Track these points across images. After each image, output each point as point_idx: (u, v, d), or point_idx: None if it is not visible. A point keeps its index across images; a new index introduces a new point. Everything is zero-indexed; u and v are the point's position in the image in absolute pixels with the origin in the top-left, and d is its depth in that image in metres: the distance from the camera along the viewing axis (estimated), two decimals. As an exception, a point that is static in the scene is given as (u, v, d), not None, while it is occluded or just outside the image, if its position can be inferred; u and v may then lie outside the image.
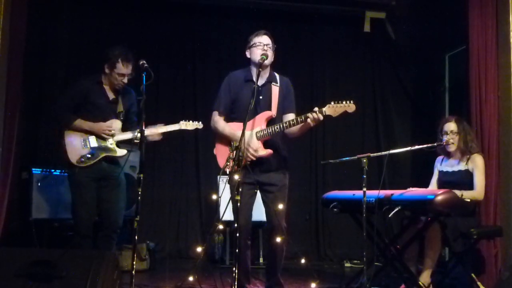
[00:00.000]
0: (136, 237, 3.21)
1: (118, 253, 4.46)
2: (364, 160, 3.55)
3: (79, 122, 3.76)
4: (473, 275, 4.00)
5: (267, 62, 3.53)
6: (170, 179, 6.14)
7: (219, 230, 5.33)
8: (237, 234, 3.05)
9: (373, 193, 3.63)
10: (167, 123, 3.90)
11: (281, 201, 3.54)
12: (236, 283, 3.00)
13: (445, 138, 4.07)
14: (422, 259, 3.93)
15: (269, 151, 3.49)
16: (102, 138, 3.80)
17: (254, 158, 3.44)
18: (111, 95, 3.90)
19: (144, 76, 3.31)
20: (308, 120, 3.37)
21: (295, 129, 3.51)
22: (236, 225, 3.06)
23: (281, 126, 3.45)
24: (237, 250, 3.03)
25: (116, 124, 3.86)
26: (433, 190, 3.97)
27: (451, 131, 4.07)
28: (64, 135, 3.76)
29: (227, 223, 5.03)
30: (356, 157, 3.65)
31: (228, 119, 3.63)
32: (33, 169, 4.85)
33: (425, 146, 3.89)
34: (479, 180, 3.97)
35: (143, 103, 3.28)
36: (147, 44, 5.91)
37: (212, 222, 5.50)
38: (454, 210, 3.58)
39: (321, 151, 6.40)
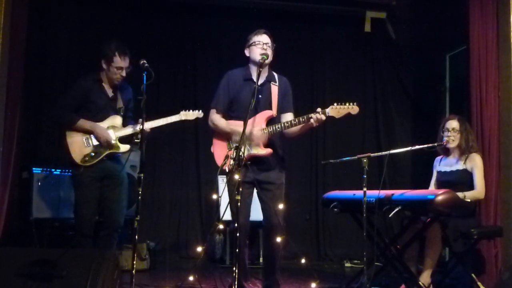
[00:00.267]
0: (136, 237, 3.21)
1: (118, 252, 4.46)
2: (365, 160, 3.55)
3: (82, 122, 3.76)
4: (473, 275, 4.01)
5: (267, 61, 3.53)
6: (171, 178, 6.14)
7: (219, 229, 5.33)
8: (237, 234, 3.05)
9: (373, 193, 3.63)
10: None
11: (279, 200, 3.54)
12: (236, 283, 3.00)
13: (446, 134, 4.07)
14: (422, 259, 3.92)
15: (269, 150, 3.49)
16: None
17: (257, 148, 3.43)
18: (110, 92, 3.91)
19: (145, 76, 3.31)
20: (311, 120, 3.37)
21: (295, 129, 3.51)
22: (235, 224, 3.06)
23: (283, 125, 3.46)
24: (237, 250, 3.03)
25: (117, 120, 3.87)
26: (433, 190, 3.97)
27: (453, 129, 4.07)
28: (65, 135, 3.76)
29: (227, 223, 5.02)
30: (356, 157, 3.66)
31: (227, 118, 3.62)
32: (34, 168, 4.86)
33: (425, 146, 3.89)
34: (479, 179, 3.97)
35: (143, 102, 3.28)
36: (147, 44, 5.92)
37: (212, 221, 5.51)
38: (455, 210, 3.58)
39: (321, 151, 6.40)
